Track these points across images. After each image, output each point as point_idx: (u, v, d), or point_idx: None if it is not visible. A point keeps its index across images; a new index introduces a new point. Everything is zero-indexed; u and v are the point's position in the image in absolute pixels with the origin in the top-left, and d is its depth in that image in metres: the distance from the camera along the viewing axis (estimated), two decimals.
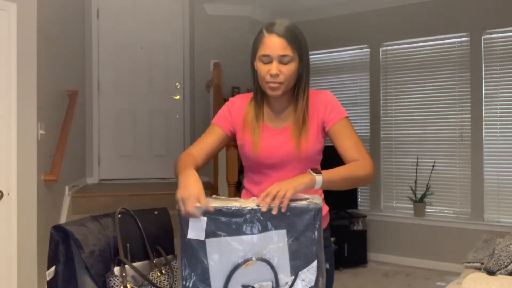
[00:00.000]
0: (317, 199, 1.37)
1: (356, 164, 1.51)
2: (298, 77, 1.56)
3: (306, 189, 1.38)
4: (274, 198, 1.31)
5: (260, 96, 1.62)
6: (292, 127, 1.58)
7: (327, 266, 1.62)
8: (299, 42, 1.53)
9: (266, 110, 1.63)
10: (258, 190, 1.57)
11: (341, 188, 1.50)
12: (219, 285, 1.31)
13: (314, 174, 1.40)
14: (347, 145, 1.56)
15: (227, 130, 1.64)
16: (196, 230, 1.32)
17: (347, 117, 1.61)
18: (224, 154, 3.77)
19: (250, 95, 1.67)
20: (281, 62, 1.50)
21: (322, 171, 1.43)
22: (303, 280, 1.34)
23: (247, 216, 1.32)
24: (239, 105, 1.66)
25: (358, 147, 1.56)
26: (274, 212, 1.31)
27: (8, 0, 2.97)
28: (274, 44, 1.49)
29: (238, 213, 1.32)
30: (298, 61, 1.53)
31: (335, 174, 1.46)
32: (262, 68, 1.53)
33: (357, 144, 1.56)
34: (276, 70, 1.50)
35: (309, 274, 1.34)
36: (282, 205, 1.31)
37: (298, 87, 1.58)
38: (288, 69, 1.51)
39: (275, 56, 1.50)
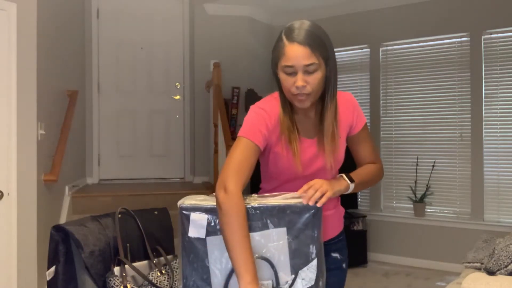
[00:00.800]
0: None
1: (376, 169, 1.61)
2: (326, 81, 1.45)
3: None
4: (315, 191, 1.35)
5: (290, 105, 1.49)
6: (325, 136, 1.50)
7: (344, 265, 1.66)
8: (323, 45, 1.40)
9: (295, 117, 1.51)
10: None
11: (357, 191, 1.56)
12: (220, 283, 1.31)
13: (349, 181, 1.47)
14: (368, 151, 1.62)
15: (262, 147, 1.45)
16: (197, 228, 1.31)
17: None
18: (225, 154, 3.77)
19: (277, 99, 1.51)
20: (306, 71, 1.38)
21: (353, 177, 1.49)
22: (303, 279, 1.34)
23: (248, 214, 1.32)
24: (275, 114, 1.48)
25: (375, 152, 1.63)
26: (311, 203, 1.34)
27: (8, 0, 2.97)
28: (297, 54, 1.36)
29: None
30: (325, 66, 1.41)
31: (361, 179, 1.54)
32: (287, 80, 1.41)
33: (374, 150, 1.63)
34: (302, 82, 1.38)
35: (309, 273, 1.34)
36: (321, 200, 1.35)
37: (327, 92, 1.47)
38: (315, 78, 1.39)
39: (299, 67, 1.37)
